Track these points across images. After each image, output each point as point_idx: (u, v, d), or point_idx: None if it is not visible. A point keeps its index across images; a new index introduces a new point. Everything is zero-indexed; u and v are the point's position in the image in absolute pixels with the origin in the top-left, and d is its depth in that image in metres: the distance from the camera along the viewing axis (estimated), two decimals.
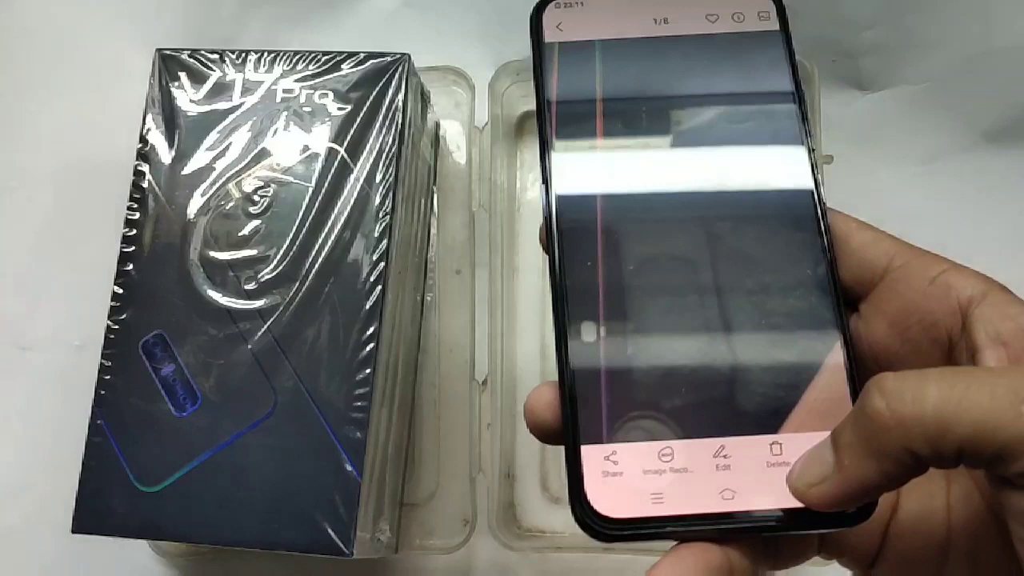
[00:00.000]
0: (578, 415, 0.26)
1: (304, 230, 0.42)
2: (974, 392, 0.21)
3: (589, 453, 0.25)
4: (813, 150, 0.29)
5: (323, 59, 0.44)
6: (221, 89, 0.44)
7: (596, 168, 0.29)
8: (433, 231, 0.51)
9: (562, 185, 0.28)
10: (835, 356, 0.26)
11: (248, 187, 0.42)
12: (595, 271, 0.27)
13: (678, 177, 0.29)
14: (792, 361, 0.26)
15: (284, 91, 0.44)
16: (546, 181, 0.28)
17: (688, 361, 0.26)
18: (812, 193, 0.28)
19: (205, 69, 0.44)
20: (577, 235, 0.28)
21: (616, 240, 0.28)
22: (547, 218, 0.28)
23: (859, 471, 0.23)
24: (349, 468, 0.38)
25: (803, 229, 0.28)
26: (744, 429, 0.26)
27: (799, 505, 0.24)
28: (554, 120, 0.29)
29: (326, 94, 0.43)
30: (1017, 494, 0.22)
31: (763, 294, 0.27)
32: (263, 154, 0.43)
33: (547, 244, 0.28)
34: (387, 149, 0.42)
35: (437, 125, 0.52)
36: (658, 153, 0.29)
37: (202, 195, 0.42)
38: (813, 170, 0.28)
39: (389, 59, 0.44)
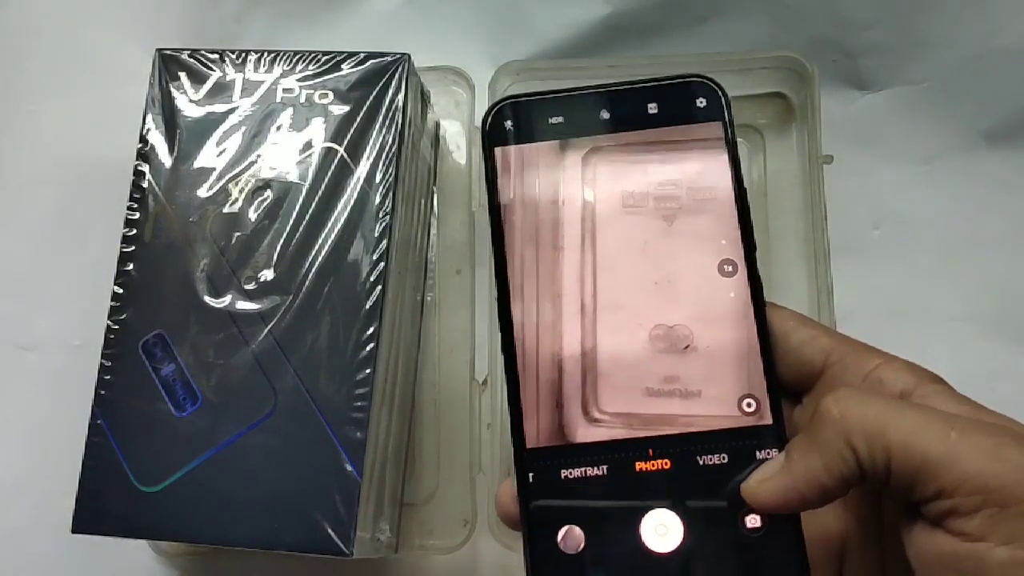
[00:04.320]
0: (532, 523, 0.28)
1: (304, 230, 0.42)
2: (914, 412, 0.25)
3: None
4: (754, 249, 0.29)
5: (323, 59, 0.44)
6: (221, 89, 0.44)
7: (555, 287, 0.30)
8: (433, 231, 0.51)
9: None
10: (774, 452, 0.28)
11: (248, 187, 0.42)
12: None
13: (627, 294, 0.30)
14: (734, 457, 0.28)
15: (284, 91, 0.44)
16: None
17: (631, 470, 0.28)
18: (751, 292, 0.29)
19: (205, 69, 0.44)
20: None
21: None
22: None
23: (804, 462, 0.25)
24: (349, 468, 0.38)
25: (743, 329, 0.29)
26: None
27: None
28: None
29: (326, 94, 0.43)
30: (926, 532, 0.24)
31: (708, 394, 0.29)
32: (263, 154, 0.43)
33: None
34: (387, 149, 0.42)
35: (437, 125, 0.52)
36: (615, 262, 0.30)
37: (202, 195, 0.42)
38: (752, 267, 0.29)
39: (389, 59, 0.44)
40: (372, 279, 0.41)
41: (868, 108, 0.53)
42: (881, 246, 0.51)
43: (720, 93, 0.30)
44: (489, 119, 0.31)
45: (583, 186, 0.31)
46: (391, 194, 0.42)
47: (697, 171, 0.30)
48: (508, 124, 0.31)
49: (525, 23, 0.53)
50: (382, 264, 0.41)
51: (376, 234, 0.41)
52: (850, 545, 0.28)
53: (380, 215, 0.41)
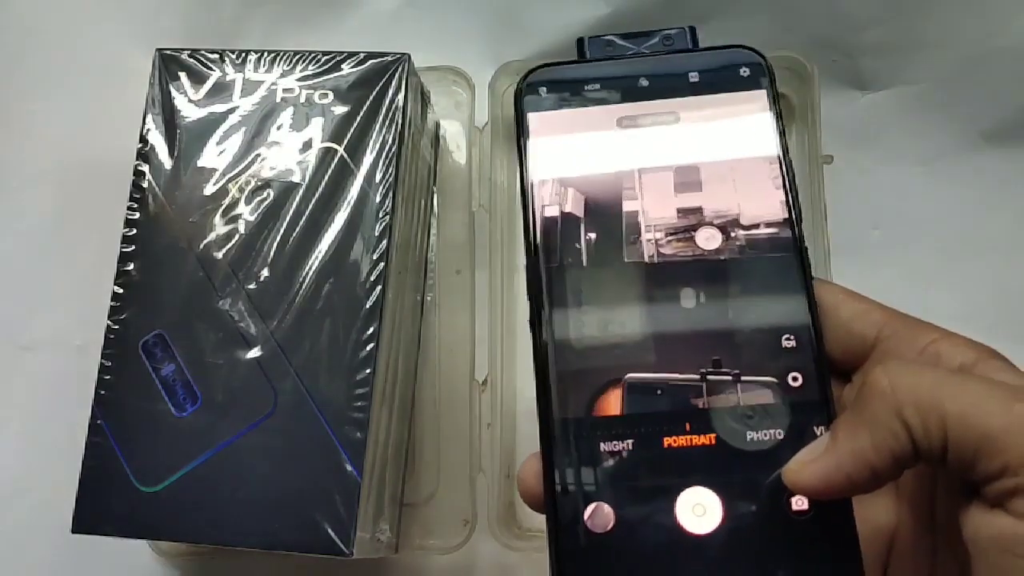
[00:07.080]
0: (558, 499, 0.26)
1: (304, 230, 0.42)
2: (974, 383, 0.23)
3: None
4: (800, 220, 0.28)
5: (323, 59, 0.44)
6: (221, 89, 0.44)
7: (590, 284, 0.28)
8: (433, 231, 0.51)
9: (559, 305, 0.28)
10: (821, 430, 0.26)
11: (248, 187, 0.42)
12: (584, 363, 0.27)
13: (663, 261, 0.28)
14: (779, 434, 0.26)
15: (284, 91, 0.44)
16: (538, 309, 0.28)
17: (667, 445, 0.26)
18: (798, 263, 0.28)
19: (205, 69, 0.44)
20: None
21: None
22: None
23: (850, 441, 0.23)
24: (349, 468, 0.38)
25: (789, 301, 0.27)
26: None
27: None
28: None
29: (326, 94, 0.43)
30: (984, 513, 0.22)
31: (751, 368, 0.27)
32: (263, 154, 0.43)
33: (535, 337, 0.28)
34: (387, 149, 0.42)
35: (437, 125, 0.52)
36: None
37: (202, 195, 0.42)
38: (798, 238, 0.28)
39: (389, 59, 0.44)
40: (372, 279, 0.41)
41: (868, 108, 0.53)
42: (881, 246, 0.51)
43: (763, 62, 0.30)
44: (523, 85, 0.30)
45: (618, 153, 0.29)
46: (391, 194, 0.42)
47: (739, 139, 0.29)
48: (542, 90, 0.30)
49: (525, 23, 0.53)
50: (382, 264, 0.41)
51: (376, 234, 0.41)
52: (899, 538, 0.27)
53: (380, 215, 0.41)
